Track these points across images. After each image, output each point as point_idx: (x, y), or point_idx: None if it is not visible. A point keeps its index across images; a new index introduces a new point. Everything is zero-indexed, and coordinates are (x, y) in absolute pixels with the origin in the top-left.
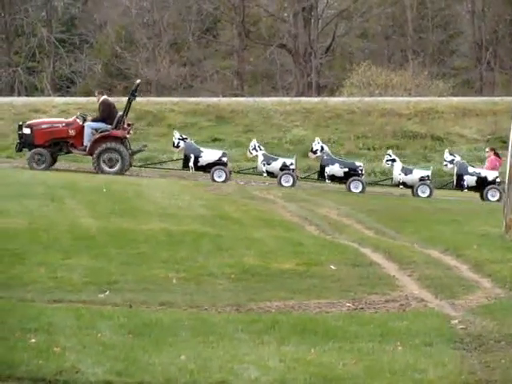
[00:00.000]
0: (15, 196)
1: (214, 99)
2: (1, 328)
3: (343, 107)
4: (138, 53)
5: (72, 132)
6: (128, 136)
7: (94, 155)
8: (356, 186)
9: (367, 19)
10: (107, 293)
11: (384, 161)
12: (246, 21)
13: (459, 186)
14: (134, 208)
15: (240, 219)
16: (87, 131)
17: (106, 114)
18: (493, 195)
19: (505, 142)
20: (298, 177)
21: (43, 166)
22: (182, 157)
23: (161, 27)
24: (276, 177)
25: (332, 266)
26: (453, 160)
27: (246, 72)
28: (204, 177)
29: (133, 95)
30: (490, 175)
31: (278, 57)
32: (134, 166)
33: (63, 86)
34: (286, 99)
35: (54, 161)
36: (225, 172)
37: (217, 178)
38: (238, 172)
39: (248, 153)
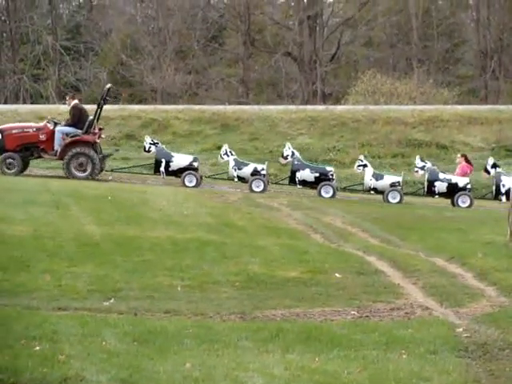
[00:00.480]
0: (20, 203)
1: (220, 107)
2: (5, 335)
3: (348, 115)
4: (143, 60)
5: (42, 137)
6: (98, 140)
7: (65, 160)
8: (327, 191)
9: (372, 27)
10: (112, 300)
11: (356, 166)
12: (251, 29)
13: (430, 192)
14: (139, 215)
15: (245, 227)
16: (58, 136)
17: (77, 118)
18: (463, 201)
19: (509, 151)
20: (268, 182)
21: (14, 170)
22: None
23: (166, 35)
24: (247, 182)
25: (337, 274)
26: (424, 166)
27: (251, 80)
28: (208, 184)
29: (104, 100)
30: (461, 182)
31: (284, 65)
32: (106, 171)
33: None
34: (292, 107)
35: (26, 165)
36: (195, 177)
37: (187, 183)
38: (209, 177)
39: (219, 158)
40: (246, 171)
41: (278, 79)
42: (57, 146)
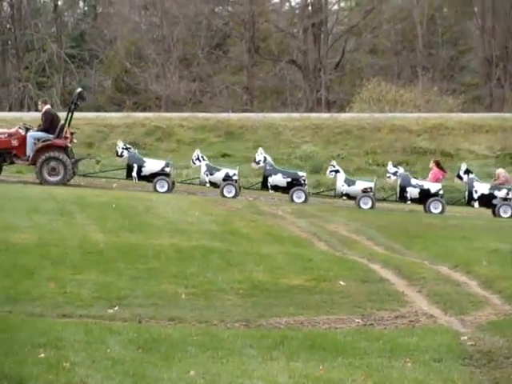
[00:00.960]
0: (25, 211)
1: (224, 115)
2: (10, 343)
3: (353, 123)
4: (147, 68)
5: (15, 142)
6: (70, 145)
7: (37, 165)
8: (299, 196)
9: (377, 35)
10: (116, 308)
11: (328, 172)
12: (255, 36)
13: (402, 198)
14: (143, 223)
15: (249, 235)
16: (30, 141)
17: (49, 123)
18: (435, 207)
19: None
20: (240, 187)
21: None
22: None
23: (170, 43)
24: (219, 187)
25: (341, 282)
26: (396, 172)
27: (255, 88)
28: (214, 192)
29: (74, 104)
30: (433, 187)
31: (288, 72)
32: (78, 175)
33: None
34: (296, 115)
35: None
36: (167, 182)
37: (159, 189)
38: (182, 182)
39: (191, 163)
40: (218, 176)
41: (282, 87)
42: (29, 152)
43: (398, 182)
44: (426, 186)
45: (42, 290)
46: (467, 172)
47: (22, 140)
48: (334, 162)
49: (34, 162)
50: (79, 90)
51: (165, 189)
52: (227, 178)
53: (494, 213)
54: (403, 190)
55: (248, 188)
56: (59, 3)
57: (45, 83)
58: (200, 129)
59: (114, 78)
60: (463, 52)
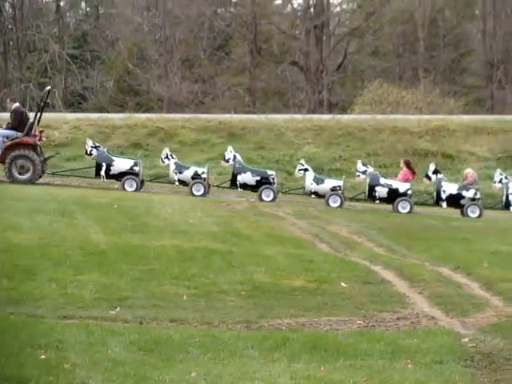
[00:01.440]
0: (26, 211)
1: (226, 116)
2: (11, 344)
3: (354, 125)
4: (149, 69)
5: None
6: (39, 143)
7: (6, 163)
8: (267, 195)
9: (379, 37)
10: (118, 309)
11: (296, 170)
12: (257, 38)
13: (371, 197)
14: (145, 224)
15: (251, 236)
16: None
17: (18, 121)
18: (403, 207)
19: None
20: (209, 186)
21: None
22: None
23: (173, 44)
24: (188, 185)
25: (343, 284)
26: (365, 171)
27: (257, 89)
28: (213, 194)
29: (44, 103)
30: (402, 187)
31: (290, 74)
32: (48, 174)
33: (75, 102)
34: (298, 116)
35: None
36: (135, 181)
37: (128, 188)
38: (150, 181)
39: (160, 161)
40: (187, 174)
41: (284, 88)
42: None
43: (367, 180)
44: (394, 186)
45: (43, 291)
46: (436, 172)
47: None
48: (302, 161)
49: (2, 161)
50: (48, 87)
51: (133, 188)
52: (196, 176)
53: (462, 213)
54: (372, 188)
55: (217, 186)
56: (61, 4)
57: (47, 84)
58: (202, 130)
59: (116, 79)
60: (465, 54)
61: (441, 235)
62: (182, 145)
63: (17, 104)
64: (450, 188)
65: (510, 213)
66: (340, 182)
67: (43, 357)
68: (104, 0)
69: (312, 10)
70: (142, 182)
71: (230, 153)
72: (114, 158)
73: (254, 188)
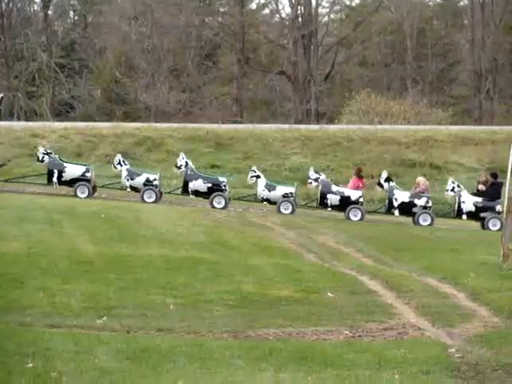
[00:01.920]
0: (14, 220)
1: (213, 126)
2: None
3: (342, 135)
4: (137, 78)
5: None
6: None
7: None
8: (219, 202)
9: (367, 47)
10: (105, 318)
11: (248, 177)
12: (245, 47)
13: (322, 204)
14: (132, 234)
15: (238, 246)
16: None
17: None
18: (355, 215)
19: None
20: (161, 193)
21: None
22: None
23: (160, 53)
24: (139, 192)
25: (330, 294)
26: (317, 178)
27: (245, 99)
28: (203, 203)
29: None
30: (354, 195)
31: (278, 83)
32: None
33: (62, 111)
34: (285, 126)
35: None
36: (87, 188)
37: (80, 194)
38: (102, 187)
39: (113, 167)
40: (139, 181)
41: (272, 98)
42: None
43: (319, 188)
44: (346, 194)
45: (31, 300)
46: (388, 180)
47: None
48: (254, 168)
49: None
50: (1, 95)
51: (85, 194)
52: (148, 182)
53: (413, 221)
54: (324, 196)
55: (169, 193)
56: (49, 12)
57: (34, 92)
58: (190, 139)
59: (103, 88)
60: (453, 64)
61: (428, 246)
62: (169, 154)
63: None
64: (402, 196)
65: (463, 221)
66: (292, 189)
67: (30, 365)
68: (92, 9)
69: (300, 19)
70: (94, 188)
71: (182, 159)
72: (65, 164)
73: (205, 195)
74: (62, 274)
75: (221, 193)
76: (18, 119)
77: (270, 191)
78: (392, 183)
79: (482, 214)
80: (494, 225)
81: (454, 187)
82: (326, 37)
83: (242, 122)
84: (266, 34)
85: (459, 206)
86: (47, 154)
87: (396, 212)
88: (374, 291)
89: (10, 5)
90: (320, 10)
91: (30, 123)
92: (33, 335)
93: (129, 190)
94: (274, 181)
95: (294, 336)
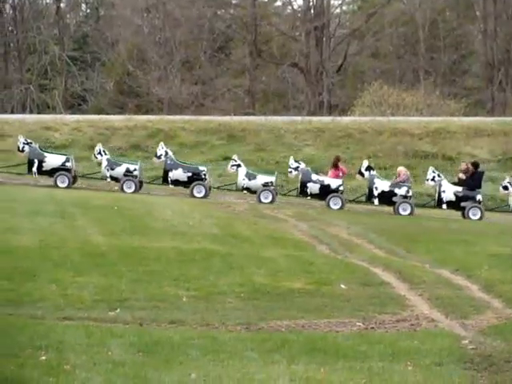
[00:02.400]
0: (26, 213)
1: (226, 118)
2: (11, 345)
3: (354, 126)
4: (149, 71)
5: None
6: None
7: None
8: (199, 191)
9: (379, 39)
10: (117, 311)
11: (229, 166)
12: (257, 40)
13: (303, 193)
14: (144, 226)
15: (251, 238)
16: None
17: None
18: (335, 203)
19: None
20: (141, 183)
21: None
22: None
23: (173, 46)
24: (119, 182)
25: (342, 286)
26: (298, 167)
27: (257, 91)
28: (214, 196)
29: None
30: (334, 183)
31: (290, 75)
32: None
33: (75, 104)
34: (298, 118)
35: None
36: (67, 177)
37: (60, 184)
38: (83, 176)
39: (93, 157)
40: (119, 171)
41: (284, 90)
42: None
43: (300, 177)
44: (326, 182)
45: (43, 293)
46: (369, 169)
47: None
48: (235, 157)
49: None
50: None
51: (65, 184)
52: (128, 173)
53: (394, 210)
54: (304, 185)
55: (149, 183)
56: (61, 5)
57: (47, 85)
58: (202, 132)
59: (116, 81)
60: (465, 56)
61: (441, 237)
62: (181, 146)
63: None
64: (382, 185)
65: (443, 210)
66: (272, 178)
67: (43, 358)
68: (104, 2)
69: (312, 11)
70: (75, 177)
71: (161, 149)
72: (45, 154)
73: (185, 184)
74: (75, 267)
75: (201, 182)
76: (31, 112)
77: (250, 180)
78: (373, 172)
79: (463, 204)
80: (474, 214)
81: (434, 176)
82: (339, 28)
83: (254, 114)
84: (278, 26)
85: (439, 195)
86: (27, 143)
87: (376, 201)
88: (386, 283)
89: None
90: (332, 1)
91: (43, 116)
92: (45, 328)
93: (109, 180)
94: (285, 173)
95: (306, 328)
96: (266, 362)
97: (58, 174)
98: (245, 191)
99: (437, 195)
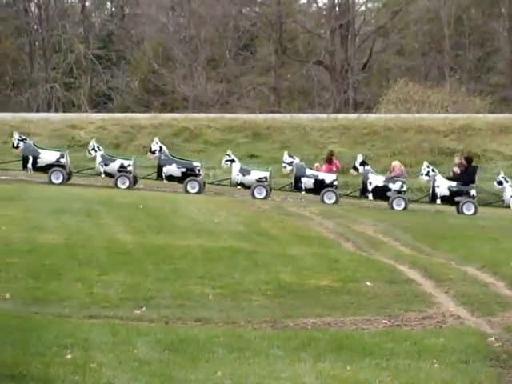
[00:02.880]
0: (52, 211)
1: (251, 116)
2: (37, 343)
3: (380, 124)
4: (174, 69)
5: None
6: None
7: None
8: (193, 187)
9: (404, 36)
10: (143, 309)
11: (223, 161)
12: (283, 37)
13: (297, 187)
14: (170, 224)
15: (276, 235)
16: None
17: None
18: (329, 198)
19: None
20: (136, 178)
21: None
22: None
23: (198, 44)
24: (113, 177)
25: (368, 283)
26: (292, 162)
27: (282, 88)
28: (240, 193)
29: None
30: (328, 178)
31: (315, 73)
32: None
33: (100, 102)
34: (323, 116)
35: None
36: (62, 173)
37: (54, 180)
38: (78, 172)
39: (87, 153)
40: (113, 167)
41: (309, 88)
42: None
43: (294, 171)
44: (320, 177)
45: (69, 291)
46: (363, 164)
47: None
48: (229, 152)
49: None
50: None
51: (59, 180)
52: (122, 168)
53: (389, 205)
54: (298, 179)
55: (143, 178)
56: (87, 4)
57: (72, 84)
58: (227, 130)
59: (141, 79)
60: (490, 53)
61: (466, 234)
62: (207, 144)
63: None
64: (376, 180)
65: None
66: (266, 174)
67: (69, 356)
68: (129, 0)
69: (337, 8)
70: (70, 174)
71: (156, 144)
72: (40, 150)
73: (180, 180)
74: (100, 265)
75: (195, 177)
76: (56, 111)
77: (244, 175)
78: (367, 167)
79: (457, 199)
80: (468, 209)
81: (428, 171)
82: (364, 26)
83: (279, 112)
84: (303, 24)
85: (433, 190)
86: (22, 140)
87: (370, 196)
88: (412, 280)
89: None
90: None
91: (68, 114)
92: (71, 326)
93: (103, 176)
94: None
95: (332, 325)
96: (292, 359)
97: (52, 170)
98: (239, 187)
99: (431, 190)
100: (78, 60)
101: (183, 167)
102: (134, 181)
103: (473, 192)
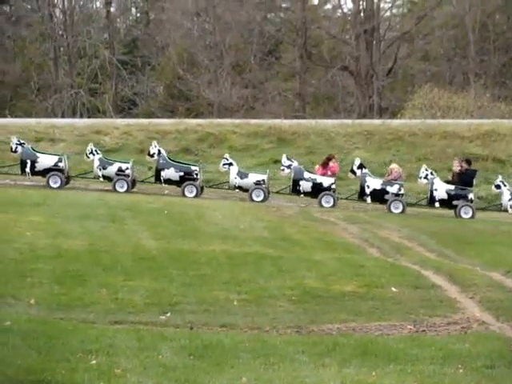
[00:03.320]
0: (77, 217)
1: (276, 121)
2: (62, 349)
3: (405, 129)
4: (199, 75)
5: None
6: None
7: None
8: (190, 191)
9: (429, 41)
10: (168, 314)
11: (221, 164)
12: (307, 43)
13: (295, 191)
14: (195, 229)
15: (301, 241)
16: None
17: None
18: (327, 201)
19: None
20: (134, 182)
21: None
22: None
23: (223, 49)
24: (112, 181)
25: (393, 289)
26: (290, 165)
27: (307, 94)
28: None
29: None
30: (326, 181)
31: (340, 79)
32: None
33: (125, 108)
34: (348, 121)
35: None
36: (60, 177)
37: (52, 184)
38: (76, 176)
39: (85, 157)
40: (111, 170)
41: (334, 93)
42: None
43: (292, 175)
44: (318, 180)
45: (94, 297)
46: (361, 167)
47: None
48: (227, 155)
49: None
50: None
51: (57, 184)
52: (120, 172)
53: (387, 208)
54: (296, 182)
55: (142, 181)
56: (112, 10)
57: (97, 90)
58: (252, 135)
59: (166, 85)
60: None
61: (491, 240)
62: (231, 150)
63: None
64: (374, 183)
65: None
66: (264, 177)
67: (94, 362)
68: (154, 6)
69: (362, 14)
70: (68, 178)
71: (154, 148)
72: (38, 154)
73: (178, 183)
74: (125, 271)
75: (192, 182)
76: (81, 116)
77: (242, 178)
78: (365, 170)
79: (455, 202)
80: (465, 213)
81: (427, 175)
82: (388, 31)
83: (304, 118)
84: (328, 30)
85: (432, 193)
86: (20, 144)
87: (368, 199)
88: (437, 286)
89: (73, 2)
90: (382, 4)
91: (93, 120)
92: (96, 332)
93: (101, 179)
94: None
95: (357, 331)
96: (317, 365)
97: (50, 174)
98: (237, 190)
99: (429, 193)
100: (102, 66)
101: (181, 171)
102: (133, 184)
103: (470, 196)
